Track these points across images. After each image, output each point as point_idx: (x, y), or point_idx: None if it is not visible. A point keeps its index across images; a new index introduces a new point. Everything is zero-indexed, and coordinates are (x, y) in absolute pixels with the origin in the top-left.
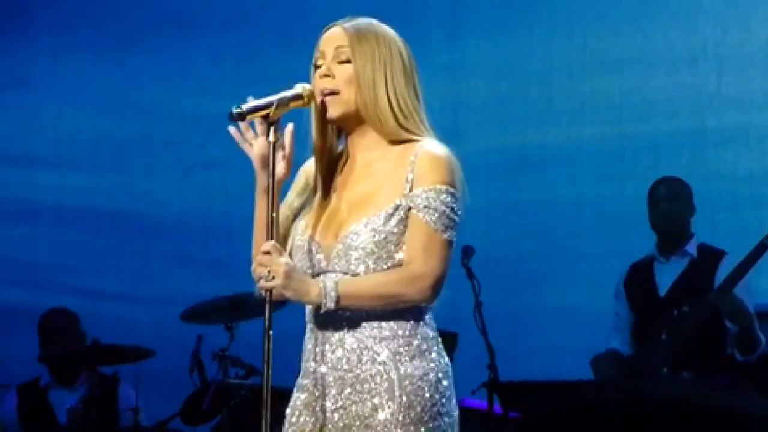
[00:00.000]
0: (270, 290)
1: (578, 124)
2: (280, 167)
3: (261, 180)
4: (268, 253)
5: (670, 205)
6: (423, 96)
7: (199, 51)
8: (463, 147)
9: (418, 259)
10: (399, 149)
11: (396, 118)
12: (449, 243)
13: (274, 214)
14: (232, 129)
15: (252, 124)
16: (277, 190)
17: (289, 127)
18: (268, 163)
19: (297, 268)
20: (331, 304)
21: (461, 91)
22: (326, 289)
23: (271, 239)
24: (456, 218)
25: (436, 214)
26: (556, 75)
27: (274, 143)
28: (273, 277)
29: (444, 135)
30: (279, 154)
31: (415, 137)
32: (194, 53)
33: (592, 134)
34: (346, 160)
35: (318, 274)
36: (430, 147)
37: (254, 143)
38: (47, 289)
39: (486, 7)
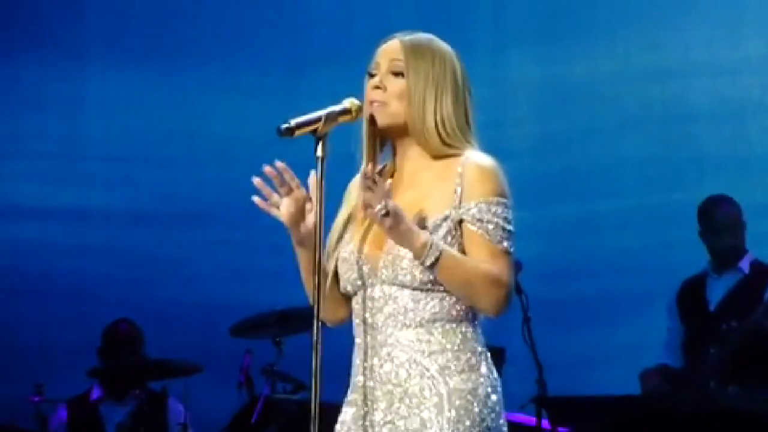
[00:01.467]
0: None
1: (621, 136)
2: (309, 219)
3: (295, 235)
4: (374, 183)
5: (729, 235)
6: (473, 113)
7: (246, 64)
8: (506, 161)
9: (492, 267)
10: (444, 162)
11: (440, 137)
12: (508, 253)
13: (318, 256)
14: (256, 198)
15: (270, 184)
16: (307, 233)
17: (312, 178)
18: (297, 220)
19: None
20: (431, 259)
21: (505, 105)
22: (432, 242)
23: (319, 277)
24: (511, 228)
25: (491, 227)
26: (599, 87)
27: (322, 158)
28: (387, 213)
29: (488, 149)
30: (306, 206)
31: (458, 151)
32: (242, 66)
33: (635, 146)
34: (393, 173)
35: (365, 285)
36: (477, 158)
37: (281, 205)
38: (93, 301)
39: (528, 21)
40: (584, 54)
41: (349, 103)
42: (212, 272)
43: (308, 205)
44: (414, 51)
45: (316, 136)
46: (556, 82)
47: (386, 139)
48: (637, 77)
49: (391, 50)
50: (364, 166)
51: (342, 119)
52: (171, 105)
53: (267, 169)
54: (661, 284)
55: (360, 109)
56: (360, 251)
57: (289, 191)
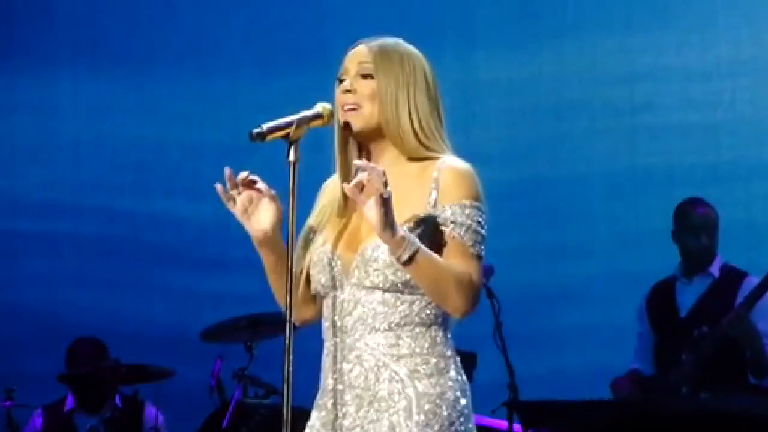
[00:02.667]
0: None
1: (590, 139)
2: (264, 218)
3: (251, 233)
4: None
5: (704, 235)
6: (444, 115)
7: (216, 72)
8: (475, 164)
9: (463, 269)
10: (419, 165)
11: (417, 137)
12: (480, 256)
13: (290, 254)
14: (218, 186)
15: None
16: (270, 238)
17: (261, 185)
18: (249, 216)
19: None
20: (408, 253)
21: (474, 108)
22: (410, 238)
23: (291, 273)
24: (483, 232)
25: (464, 229)
26: (567, 90)
27: (295, 163)
28: (384, 197)
29: (457, 152)
30: (261, 203)
31: (435, 154)
32: (212, 74)
33: (603, 150)
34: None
35: (336, 286)
36: (453, 162)
37: (237, 198)
38: (68, 309)
39: (497, 24)
40: (553, 57)
41: (321, 107)
42: (182, 276)
43: (264, 203)
44: (381, 53)
45: (288, 141)
46: (525, 84)
47: (361, 144)
48: (606, 80)
49: (358, 54)
50: (338, 172)
51: (314, 124)
52: (141, 110)
53: (227, 172)
54: (630, 289)
55: (332, 113)
56: (333, 252)
57: (245, 187)
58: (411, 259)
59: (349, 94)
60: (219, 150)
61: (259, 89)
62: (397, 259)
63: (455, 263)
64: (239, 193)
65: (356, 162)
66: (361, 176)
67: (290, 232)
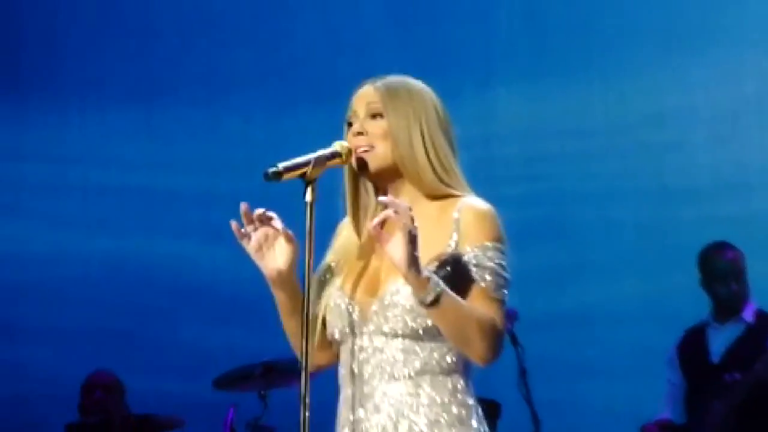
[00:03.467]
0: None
1: (617, 180)
2: (279, 258)
3: (266, 272)
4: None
5: (732, 281)
6: (457, 151)
7: (227, 107)
8: (495, 203)
9: (486, 314)
10: (438, 204)
11: (435, 171)
12: (503, 300)
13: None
14: (233, 223)
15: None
16: (285, 279)
17: (275, 224)
18: (264, 254)
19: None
20: (432, 295)
21: (493, 145)
22: (435, 279)
23: (307, 318)
24: (506, 275)
25: (486, 272)
26: (593, 130)
27: (312, 203)
28: (411, 233)
29: (476, 190)
30: (277, 243)
31: (454, 192)
32: (223, 109)
33: (632, 189)
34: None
35: (353, 333)
36: (474, 203)
37: (253, 235)
38: (74, 354)
39: (519, 59)
40: (577, 93)
41: (339, 146)
42: (195, 322)
43: (280, 241)
44: (389, 90)
45: (305, 180)
46: (548, 123)
47: (377, 185)
48: (634, 119)
49: (365, 95)
50: (350, 215)
51: (331, 163)
52: (151, 151)
53: (243, 207)
54: (658, 333)
55: (350, 152)
56: (351, 297)
57: (265, 226)
58: (435, 301)
59: (360, 137)
60: (231, 191)
61: (272, 127)
62: (421, 302)
63: (478, 308)
64: (255, 230)
65: (381, 198)
66: (386, 212)
67: (307, 275)
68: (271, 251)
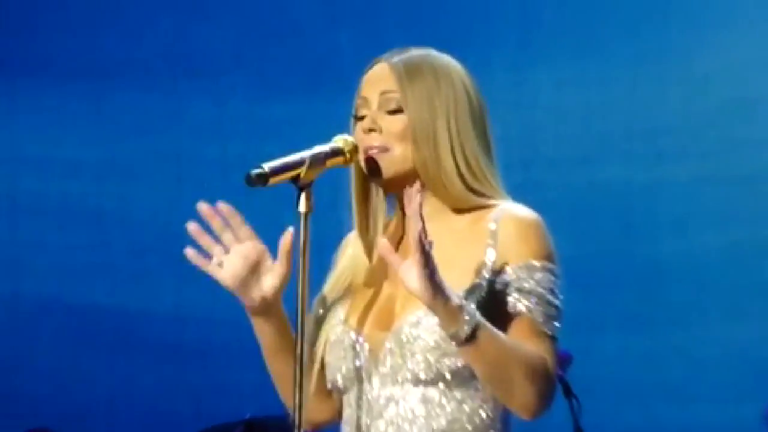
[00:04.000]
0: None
1: (692, 180)
2: (266, 282)
3: (247, 303)
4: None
5: None
6: (494, 145)
7: (196, 91)
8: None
9: (534, 352)
10: (469, 216)
11: (463, 179)
12: (554, 338)
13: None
14: (189, 251)
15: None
16: (270, 307)
17: (286, 239)
18: (246, 283)
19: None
20: (466, 330)
21: (534, 138)
22: (469, 308)
23: (300, 360)
24: (558, 303)
25: (533, 300)
26: (660, 118)
27: (307, 214)
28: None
29: (514, 195)
30: (263, 264)
31: (487, 201)
32: (190, 94)
33: (709, 189)
34: (398, 232)
35: (361, 378)
36: (514, 210)
37: (224, 261)
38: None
39: (567, 32)
40: (643, 76)
41: (341, 140)
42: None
43: (266, 264)
44: (410, 74)
45: (299, 185)
46: (593, 104)
47: (388, 193)
48: (714, 107)
49: (379, 79)
50: (357, 229)
51: (332, 162)
52: (101, 146)
53: (204, 207)
54: (746, 379)
55: (356, 148)
56: (358, 332)
57: (237, 239)
58: (472, 336)
59: (373, 135)
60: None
61: (253, 117)
62: (453, 337)
63: (524, 345)
64: (227, 245)
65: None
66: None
67: (300, 305)
68: (252, 276)
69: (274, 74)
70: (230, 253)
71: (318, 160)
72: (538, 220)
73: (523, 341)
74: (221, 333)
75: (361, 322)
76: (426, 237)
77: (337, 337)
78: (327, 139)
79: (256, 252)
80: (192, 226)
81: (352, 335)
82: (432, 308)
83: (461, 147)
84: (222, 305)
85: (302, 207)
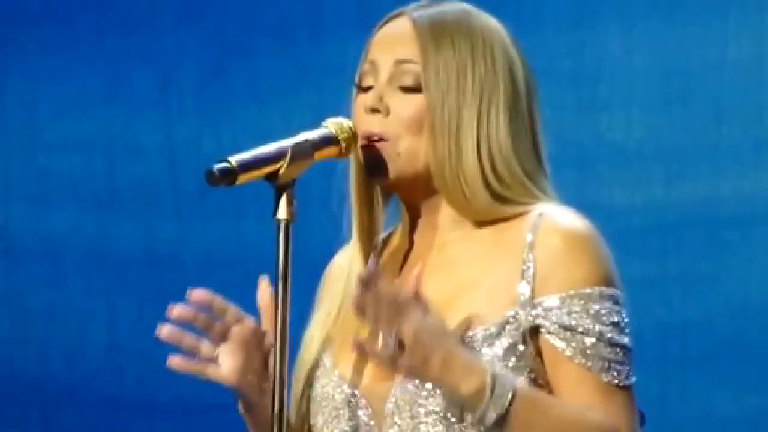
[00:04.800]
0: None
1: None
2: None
3: (253, 396)
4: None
5: None
6: (543, 143)
7: (128, 55)
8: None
9: (600, 418)
10: (495, 225)
11: (488, 185)
12: (627, 387)
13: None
14: (174, 362)
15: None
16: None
17: (263, 289)
18: (248, 373)
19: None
20: (496, 410)
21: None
22: (495, 381)
23: (280, 421)
24: (626, 341)
25: (591, 341)
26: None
27: (288, 223)
28: (401, 346)
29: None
30: (265, 343)
31: (521, 207)
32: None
33: None
34: (402, 246)
35: None
36: (559, 218)
37: (220, 356)
38: None
39: None
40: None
41: (334, 125)
42: None
43: (265, 342)
44: (438, 40)
45: (278, 184)
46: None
47: (393, 193)
48: None
49: (396, 40)
50: (356, 245)
51: (322, 154)
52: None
53: (175, 311)
54: None
55: (354, 136)
56: (352, 384)
57: (226, 332)
58: (504, 416)
59: (377, 117)
60: (137, 218)
61: (212, 93)
62: (479, 422)
63: (585, 408)
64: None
65: (359, 275)
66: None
67: (278, 350)
68: (259, 363)
69: (233, 33)
70: (221, 345)
71: (303, 151)
72: (591, 230)
73: (583, 400)
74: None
75: (357, 370)
76: (395, 343)
77: (326, 390)
78: (315, 124)
79: (250, 333)
80: (166, 332)
81: (346, 389)
82: (441, 385)
83: (489, 143)
84: None
85: (282, 213)
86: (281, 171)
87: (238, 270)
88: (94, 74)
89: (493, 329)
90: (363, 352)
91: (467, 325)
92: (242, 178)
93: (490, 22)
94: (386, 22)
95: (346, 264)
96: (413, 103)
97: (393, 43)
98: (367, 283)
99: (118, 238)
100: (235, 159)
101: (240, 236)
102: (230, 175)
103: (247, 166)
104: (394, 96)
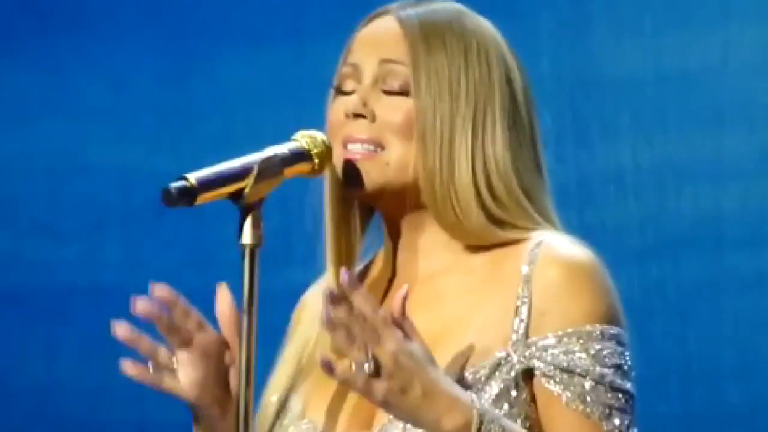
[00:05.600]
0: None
1: None
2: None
3: (214, 413)
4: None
5: None
6: (542, 156)
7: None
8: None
9: None
10: (491, 252)
11: (483, 205)
12: None
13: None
14: (127, 366)
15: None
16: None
17: (223, 297)
18: (208, 388)
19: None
20: None
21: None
22: (484, 418)
23: None
24: (629, 387)
25: (590, 384)
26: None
27: (254, 248)
28: (377, 371)
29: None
30: (225, 357)
31: (519, 233)
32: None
33: None
34: (386, 275)
35: None
36: (559, 247)
37: (178, 366)
38: None
39: None
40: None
41: (307, 139)
42: None
43: (227, 355)
44: (428, 39)
45: (243, 205)
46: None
47: (375, 212)
48: None
49: (381, 40)
50: (331, 272)
51: (292, 171)
52: None
53: (140, 305)
54: None
55: (327, 151)
56: (325, 430)
57: (187, 339)
58: None
59: (361, 122)
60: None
61: (172, 94)
62: None
63: None
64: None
65: (326, 288)
66: (332, 335)
67: (242, 395)
68: (219, 375)
69: (192, 29)
70: (181, 353)
71: (271, 168)
72: (592, 260)
73: None
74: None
75: (331, 417)
76: (372, 362)
77: None
78: (285, 137)
79: (216, 345)
80: (122, 330)
81: None
82: (419, 426)
83: (484, 158)
84: None
85: (247, 238)
86: (247, 190)
87: (197, 302)
88: (35, 81)
89: (483, 372)
90: (331, 372)
91: (455, 367)
92: (202, 198)
93: (485, 24)
94: (369, 21)
95: (320, 296)
96: (402, 107)
97: (377, 43)
98: (336, 297)
99: (60, 265)
100: (194, 176)
101: (199, 264)
102: (189, 194)
103: (207, 185)
104: (380, 100)
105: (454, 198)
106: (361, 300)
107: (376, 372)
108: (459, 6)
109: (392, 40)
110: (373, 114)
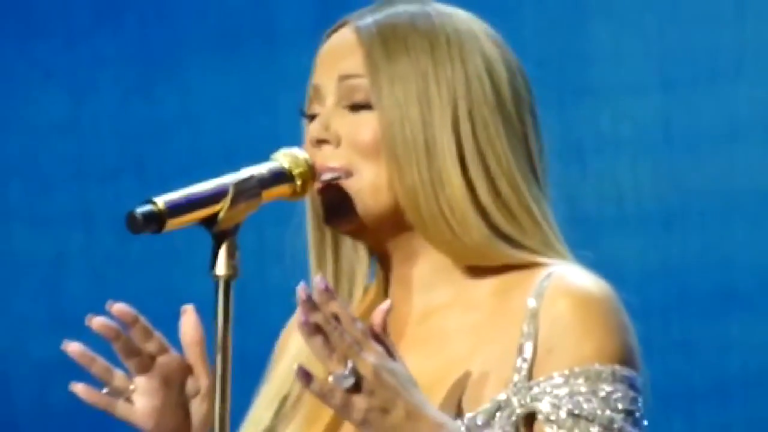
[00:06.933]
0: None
1: None
2: (195, 408)
3: (140, 422)
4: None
5: None
6: (543, 156)
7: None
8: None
9: None
10: (494, 281)
11: (485, 215)
12: None
13: None
14: (79, 388)
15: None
16: None
17: (189, 322)
18: (163, 416)
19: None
20: None
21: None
22: None
23: None
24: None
25: (597, 430)
26: None
27: (229, 279)
28: (357, 385)
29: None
30: (187, 385)
31: (530, 257)
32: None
33: None
34: (376, 304)
35: None
36: (570, 278)
37: (138, 397)
38: None
39: None
40: None
41: (287, 158)
42: None
43: (190, 382)
44: (387, 44)
45: (216, 231)
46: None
47: (362, 242)
48: None
49: (338, 54)
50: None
51: (271, 194)
52: None
53: (96, 322)
54: None
55: (311, 171)
56: None
57: (147, 363)
58: None
59: (324, 150)
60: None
61: (139, 111)
62: None
63: None
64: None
65: (299, 291)
66: (310, 344)
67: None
68: (177, 403)
69: (159, 35)
70: (139, 379)
71: (248, 191)
72: (607, 294)
73: None
74: None
75: None
76: (353, 376)
77: None
78: (264, 156)
79: (178, 370)
80: (73, 348)
81: None
82: None
83: (481, 160)
84: None
85: (221, 268)
86: (221, 215)
87: (166, 334)
88: None
89: (480, 417)
90: (307, 382)
91: (451, 412)
92: (171, 224)
93: (458, 16)
94: (328, 37)
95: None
96: (368, 123)
97: (335, 59)
98: (313, 302)
99: (17, 297)
100: (162, 200)
101: (168, 294)
102: (157, 219)
103: (177, 209)
104: (344, 119)
105: (447, 211)
106: (338, 308)
107: (356, 387)
108: (426, 1)
109: (349, 52)
110: (338, 137)
